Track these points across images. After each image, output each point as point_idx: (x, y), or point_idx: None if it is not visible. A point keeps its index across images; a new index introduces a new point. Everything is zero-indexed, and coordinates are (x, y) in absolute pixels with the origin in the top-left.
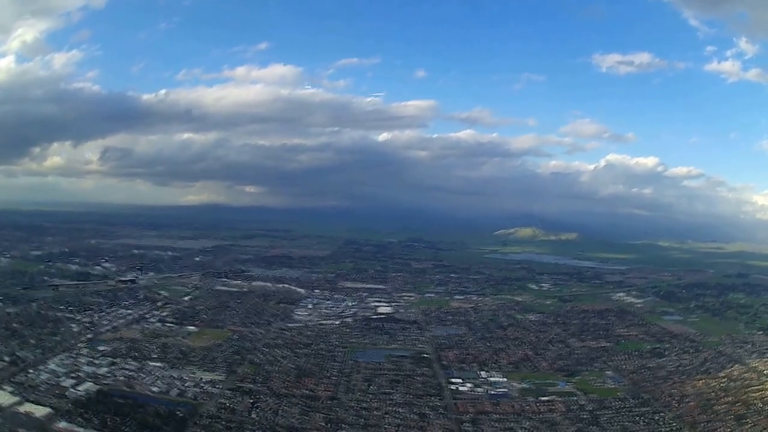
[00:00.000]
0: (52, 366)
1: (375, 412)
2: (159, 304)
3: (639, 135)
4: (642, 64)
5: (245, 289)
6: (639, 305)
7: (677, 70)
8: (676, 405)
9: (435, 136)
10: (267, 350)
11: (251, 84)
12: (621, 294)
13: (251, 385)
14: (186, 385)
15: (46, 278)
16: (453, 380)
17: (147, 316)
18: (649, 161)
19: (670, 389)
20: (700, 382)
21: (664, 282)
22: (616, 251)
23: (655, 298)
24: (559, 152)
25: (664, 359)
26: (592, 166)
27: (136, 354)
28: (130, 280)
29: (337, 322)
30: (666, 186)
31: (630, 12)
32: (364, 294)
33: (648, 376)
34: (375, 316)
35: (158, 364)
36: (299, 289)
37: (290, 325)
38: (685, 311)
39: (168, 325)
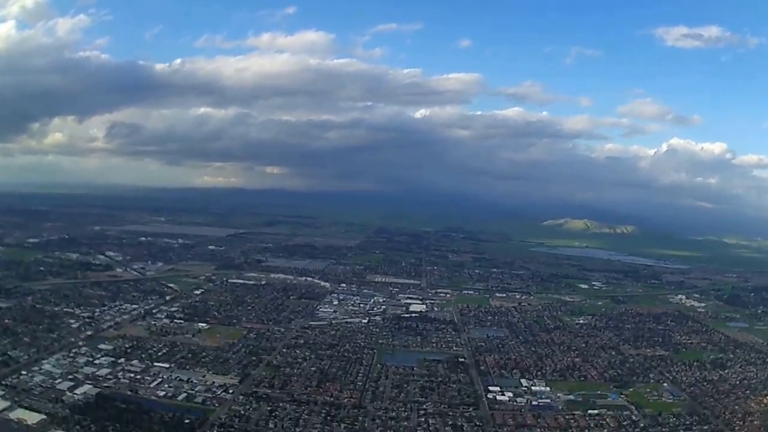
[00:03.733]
0: (47, 367)
1: (404, 423)
2: (167, 298)
3: (705, 118)
4: (711, 38)
5: (263, 282)
6: (701, 309)
7: (749, 47)
8: (740, 423)
9: (479, 113)
10: (286, 351)
11: (277, 53)
12: (681, 296)
13: (268, 391)
14: (196, 389)
15: (43, 269)
16: (491, 388)
17: (154, 311)
18: (716, 147)
19: (733, 405)
20: (767, 398)
21: (729, 284)
22: (676, 247)
23: (718, 302)
24: (616, 135)
25: (727, 371)
26: (652, 151)
27: (141, 354)
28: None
29: (364, 321)
30: (734, 175)
31: None
32: (396, 289)
33: (709, 389)
34: (407, 315)
35: (165, 365)
36: (324, 283)
37: (313, 323)
38: (751, 318)
39: (177, 321)
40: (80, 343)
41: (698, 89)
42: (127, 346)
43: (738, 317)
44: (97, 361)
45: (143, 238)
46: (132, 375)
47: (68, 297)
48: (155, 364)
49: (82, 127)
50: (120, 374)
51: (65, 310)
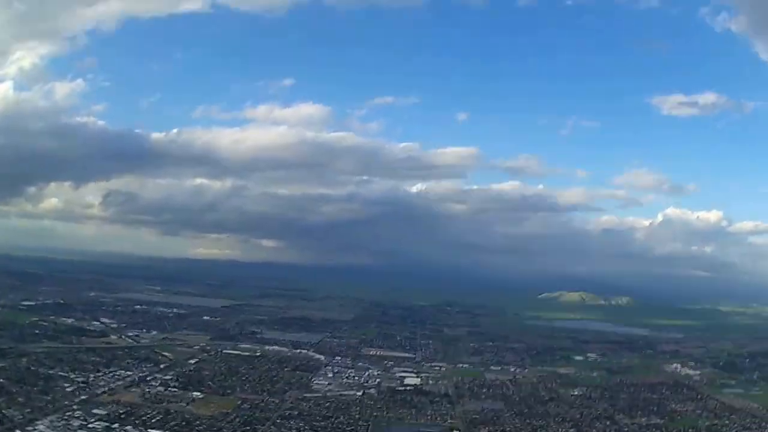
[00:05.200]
0: (41, 428)
1: None
2: (161, 366)
3: (702, 186)
4: (707, 105)
5: (258, 354)
6: (696, 377)
7: (745, 112)
8: None
9: (475, 187)
10: (280, 422)
11: (273, 125)
12: (676, 365)
13: None
14: None
15: (38, 332)
16: None
17: (148, 378)
18: (712, 215)
19: None
20: None
21: (724, 351)
22: (672, 317)
23: (713, 369)
24: (612, 206)
25: None
26: (647, 222)
27: (135, 420)
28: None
29: (359, 393)
30: (729, 243)
31: (693, 47)
32: (390, 363)
33: None
34: (401, 388)
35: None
36: (318, 356)
37: (307, 395)
38: (747, 383)
39: (171, 389)
40: (74, 407)
41: (694, 157)
42: (120, 411)
43: (733, 383)
44: (90, 425)
45: (138, 306)
46: None
47: (63, 361)
48: (149, 430)
49: (77, 194)
50: None
51: (60, 373)
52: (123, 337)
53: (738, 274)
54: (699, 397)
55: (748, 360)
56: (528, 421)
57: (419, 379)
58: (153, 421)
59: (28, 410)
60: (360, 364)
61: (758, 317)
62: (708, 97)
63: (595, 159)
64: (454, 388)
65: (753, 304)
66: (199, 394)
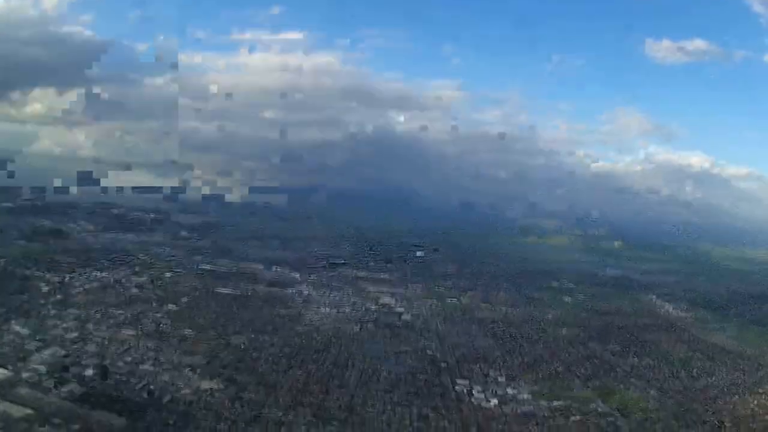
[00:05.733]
0: (16, 327)
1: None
2: (137, 269)
3: (689, 130)
4: (696, 51)
5: (234, 270)
6: (688, 319)
7: (735, 60)
8: (726, 427)
9: (459, 119)
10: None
11: (260, 51)
12: (668, 307)
13: None
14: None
15: (15, 233)
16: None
17: (123, 280)
18: (700, 159)
19: (720, 410)
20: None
21: (715, 293)
22: (660, 258)
23: (706, 311)
24: (596, 143)
25: (714, 378)
26: (635, 164)
27: (109, 319)
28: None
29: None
30: (716, 186)
31: None
32: (367, 284)
33: (696, 395)
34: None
35: (133, 332)
36: (294, 274)
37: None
38: (739, 326)
39: (144, 291)
40: (50, 307)
41: (683, 102)
42: (96, 312)
43: (726, 326)
44: (65, 325)
45: (116, 211)
46: (99, 340)
47: (39, 261)
48: (123, 330)
49: (61, 99)
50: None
51: (36, 273)
52: (100, 239)
53: (725, 218)
54: (691, 338)
55: (740, 303)
56: (518, 358)
57: (394, 299)
58: (126, 323)
59: (3, 310)
60: (335, 283)
61: (747, 261)
62: (697, 44)
63: (580, 95)
64: (429, 311)
65: (741, 247)
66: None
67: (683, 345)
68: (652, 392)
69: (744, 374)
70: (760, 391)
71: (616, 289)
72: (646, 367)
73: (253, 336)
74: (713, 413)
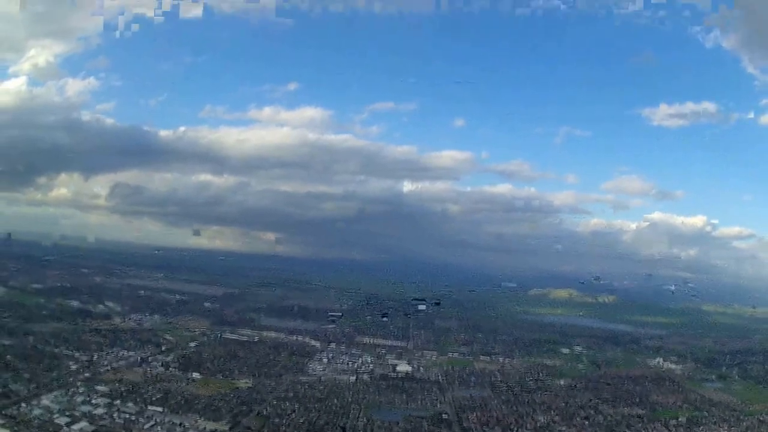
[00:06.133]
0: (46, 402)
1: None
2: (163, 348)
3: (688, 192)
4: (694, 115)
5: (256, 339)
6: (678, 371)
7: (731, 123)
8: None
9: (468, 189)
10: (276, 403)
11: (277, 126)
12: (659, 359)
13: None
14: None
15: (45, 312)
16: None
17: (149, 359)
18: (697, 220)
19: None
20: None
21: (705, 348)
22: (656, 315)
23: (695, 364)
24: (600, 210)
25: (702, 428)
26: (634, 225)
27: (136, 397)
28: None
29: (352, 378)
30: (714, 247)
31: (682, 59)
32: (383, 351)
33: None
34: (393, 374)
35: (159, 408)
36: (314, 342)
37: (303, 378)
38: (727, 378)
39: (171, 370)
40: (78, 384)
41: (681, 165)
42: (122, 389)
43: (714, 378)
44: (93, 401)
45: (142, 292)
46: (127, 416)
47: (68, 340)
48: (149, 407)
49: (86, 185)
50: (115, 414)
51: (65, 352)
52: (126, 320)
53: (721, 276)
54: (680, 390)
55: (728, 356)
56: (515, 408)
57: (410, 367)
58: (153, 399)
59: (34, 385)
60: (353, 351)
61: (739, 317)
62: (695, 107)
63: (586, 165)
64: (443, 376)
65: (734, 304)
66: (198, 375)
67: (673, 396)
68: None
69: (730, 425)
70: None
71: (612, 343)
72: None
73: (275, 403)
74: None
